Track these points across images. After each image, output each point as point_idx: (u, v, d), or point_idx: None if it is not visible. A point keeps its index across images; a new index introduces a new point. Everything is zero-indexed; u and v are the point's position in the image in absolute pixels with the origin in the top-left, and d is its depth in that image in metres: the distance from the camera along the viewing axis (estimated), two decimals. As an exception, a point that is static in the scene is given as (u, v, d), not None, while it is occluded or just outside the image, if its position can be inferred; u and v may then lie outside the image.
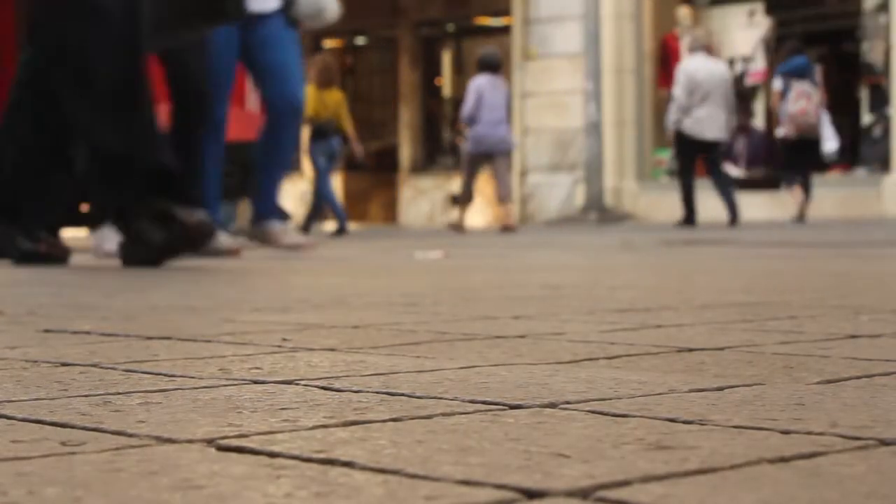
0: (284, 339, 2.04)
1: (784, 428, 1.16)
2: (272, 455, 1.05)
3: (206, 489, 0.92)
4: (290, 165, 7.01)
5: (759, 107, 17.72)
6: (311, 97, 15.02)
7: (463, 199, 14.26)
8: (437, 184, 20.18)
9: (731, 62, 17.91)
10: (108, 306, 2.89)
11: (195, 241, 4.84)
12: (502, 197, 14.01)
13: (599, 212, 16.81)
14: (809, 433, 1.14)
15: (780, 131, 14.39)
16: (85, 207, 6.65)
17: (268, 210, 6.82)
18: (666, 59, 17.49)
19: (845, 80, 17.38)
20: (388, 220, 20.95)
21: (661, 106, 16.39)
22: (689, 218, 14.00)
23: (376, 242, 7.07)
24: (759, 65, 17.65)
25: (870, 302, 2.80)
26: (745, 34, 17.93)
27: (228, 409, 1.32)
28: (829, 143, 14.54)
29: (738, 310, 2.59)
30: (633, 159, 17.77)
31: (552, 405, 1.32)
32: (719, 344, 1.93)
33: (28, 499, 0.89)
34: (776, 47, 16.79)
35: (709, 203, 14.25)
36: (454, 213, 14.59)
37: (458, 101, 17.80)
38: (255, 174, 6.90)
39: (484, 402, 1.34)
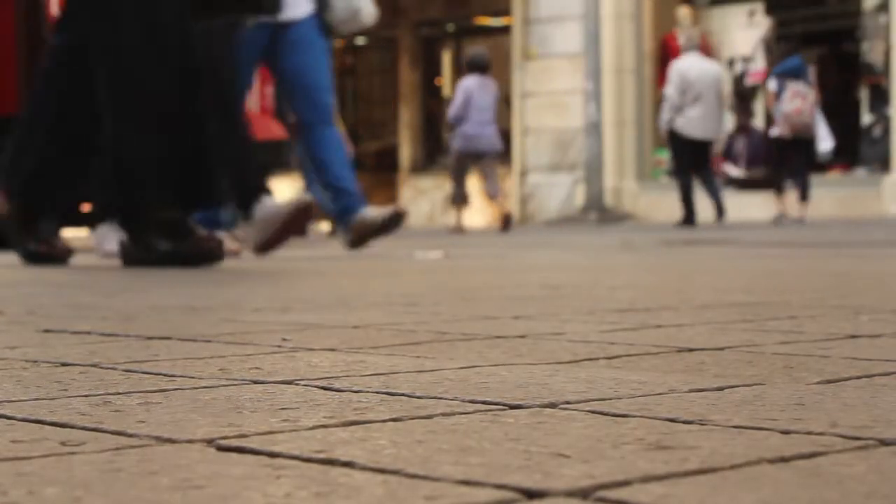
0: (284, 339, 2.04)
1: (784, 428, 1.16)
2: (272, 455, 1.05)
3: (206, 489, 0.92)
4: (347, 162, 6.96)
5: (759, 107, 17.73)
6: None
7: (458, 201, 14.29)
8: (437, 184, 20.17)
9: (731, 62, 17.93)
10: (108, 306, 2.89)
11: (202, 260, 4.81)
12: (491, 194, 14.10)
13: (599, 212, 16.81)
14: (809, 433, 1.14)
15: (775, 131, 14.42)
16: (86, 207, 6.65)
17: (356, 201, 6.82)
18: (666, 59, 17.48)
19: (845, 80, 17.39)
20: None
21: (660, 106, 16.41)
22: (689, 218, 14.02)
23: (376, 242, 7.07)
24: (759, 65, 17.66)
25: (870, 302, 2.80)
26: (745, 34, 17.94)
27: (228, 409, 1.32)
28: (824, 142, 14.59)
29: (738, 310, 2.59)
30: (633, 159, 17.78)
31: (552, 405, 1.32)
32: (719, 344, 1.93)
33: (28, 499, 0.89)
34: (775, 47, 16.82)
35: (708, 203, 14.28)
36: (452, 216, 14.61)
37: (457, 101, 17.80)
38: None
39: (484, 402, 1.34)
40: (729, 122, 16.87)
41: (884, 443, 1.09)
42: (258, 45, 6.57)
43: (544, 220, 17.71)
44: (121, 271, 4.73)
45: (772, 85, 14.59)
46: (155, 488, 0.93)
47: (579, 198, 17.45)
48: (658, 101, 17.20)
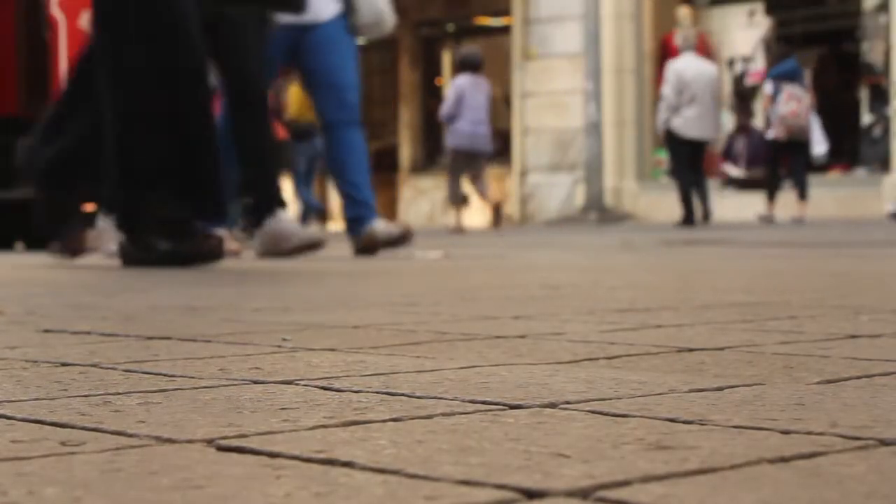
0: (284, 339, 2.04)
1: (784, 428, 1.16)
2: (272, 455, 1.05)
3: (206, 489, 0.92)
4: (367, 166, 6.92)
5: (758, 107, 17.73)
6: (295, 98, 15.06)
7: (455, 201, 14.30)
8: (437, 184, 20.17)
9: (731, 62, 17.93)
10: (108, 306, 2.89)
11: (202, 260, 4.81)
12: (483, 194, 14.21)
13: (599, 212, 16.81)
14: (809, 433, 1.14)
15: (771, 133, 14.46)
16: (88, 207, 6.65)
17: (368, 212, 6.77)
18: (666, 59, 17.50)
19: (845, 80, 17.40)
20: (388, 220, 20.94)
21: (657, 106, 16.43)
22: (688, 217, 14.04)
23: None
24: (759, 65, 17.66)
25: (870, 302, 2.80)
26: (745, 34, 17.94)
27: (228, 409, 1.32)
28: (819, 146, 14.70)
29: (738, 310, 2.59)
30: (633, 159, 17.78)
31: (552, 405, 1.32)
32: (719, 344, 1.93)
33: (28, 499, 0.89)
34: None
35: (697, 203, 14.33)
36: (452, 216, 14.63)
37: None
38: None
39: (484, 402, 1.34)
40: (729, 122, 16.88)
41: (884, 443, 1.09)
42: (282, 46, 6.55)
43: (544, 220, 17.71)
44: (121, 271, 4.73)
45: (767, 88, 14.63)
46: (155, 488, 0.93)
47: (579, 198, 17.45)
48: (658, 102, 17.21)
